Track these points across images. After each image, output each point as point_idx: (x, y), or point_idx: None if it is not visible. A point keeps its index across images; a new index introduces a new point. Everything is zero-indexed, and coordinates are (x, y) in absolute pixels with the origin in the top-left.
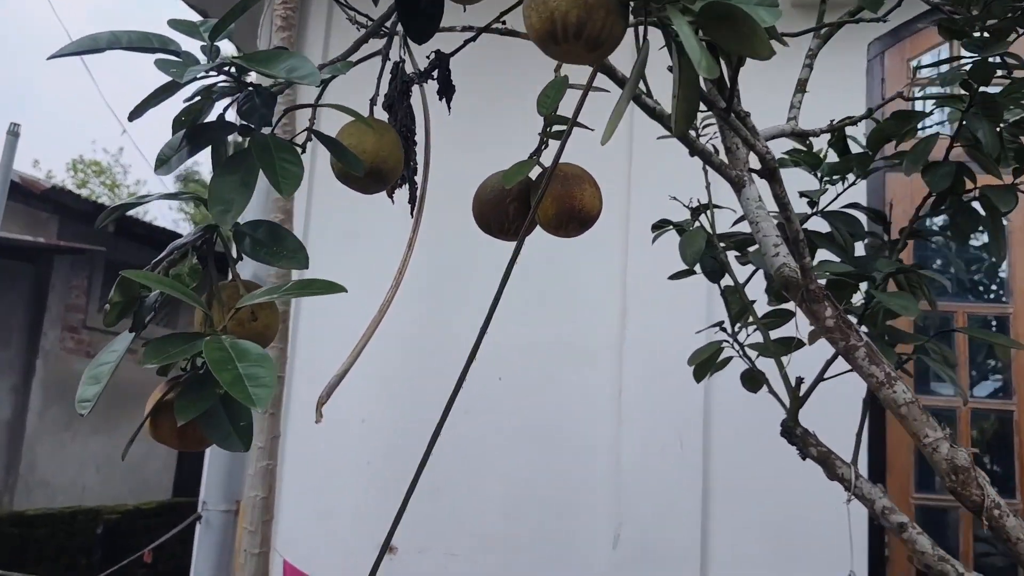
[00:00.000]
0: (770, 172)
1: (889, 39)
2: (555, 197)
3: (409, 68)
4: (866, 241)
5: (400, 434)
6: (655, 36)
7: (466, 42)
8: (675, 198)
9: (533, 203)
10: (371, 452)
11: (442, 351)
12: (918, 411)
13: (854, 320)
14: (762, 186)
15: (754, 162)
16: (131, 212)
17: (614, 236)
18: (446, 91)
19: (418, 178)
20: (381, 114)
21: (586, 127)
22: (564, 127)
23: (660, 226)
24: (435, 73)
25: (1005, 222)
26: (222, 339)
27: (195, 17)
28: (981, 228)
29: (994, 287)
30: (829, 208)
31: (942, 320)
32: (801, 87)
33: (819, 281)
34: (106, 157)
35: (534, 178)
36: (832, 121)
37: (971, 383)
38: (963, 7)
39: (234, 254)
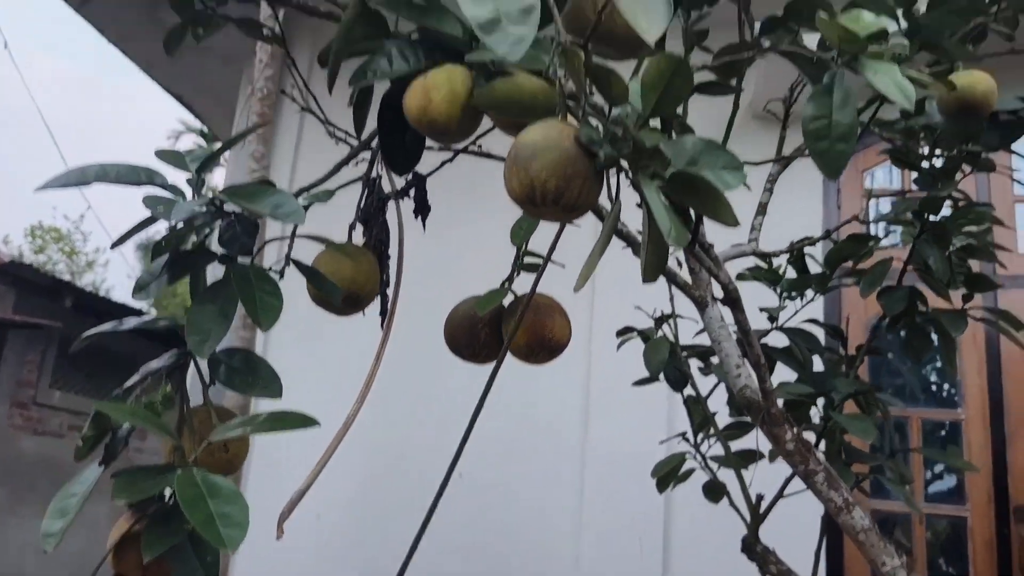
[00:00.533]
0: (732, 301)
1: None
2: (527, 327)
3: (386, 185)
4: (825, 356)
5: (360, 535)
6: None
7: (443, 163)
8: (639, 307)
9: (507, 334)
10: (327, 551)
11: (403, 454)
12: (876, 538)
13: (812, 436)
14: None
15: (717, 289)
16: (87, 286)
17: (578, 342)
18: (422, 210)
19: (390, 291)
20: (358, 229)
21: (558, 263)
22: (537, 260)
23: (624, 333)
24: (411, 192)
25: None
26: (194, 474)
27: (167, 97)
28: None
29: (948, 390)
30: (788, 324)
31: (897, 425)
32: (761, 210)
33: (779, 404)
34: (66, 224)
35: (506, 305)
36: (792, 242)
37: (925, 483)
38: (913, 140)
39: (207, 380)
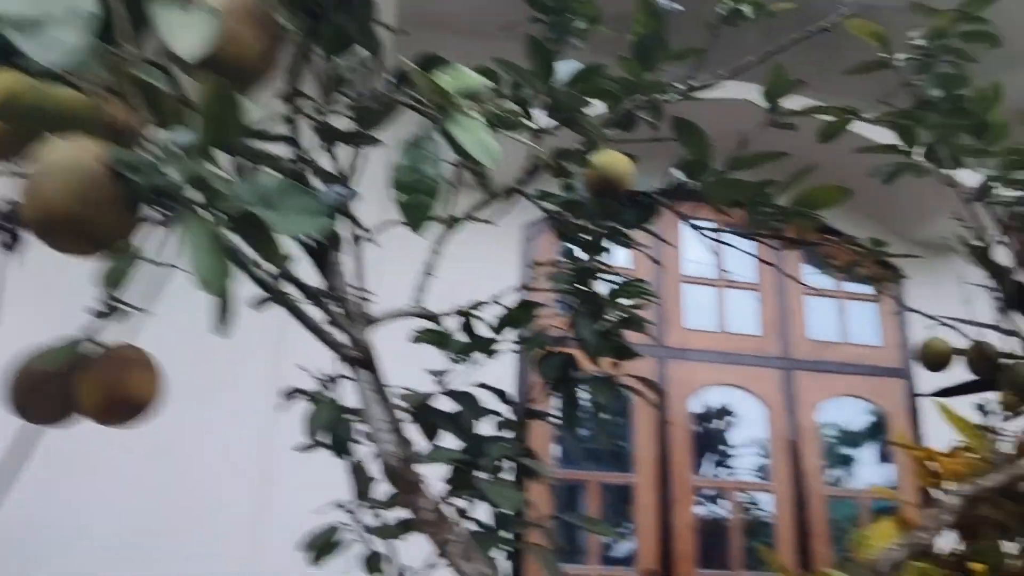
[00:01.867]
0: (366, 363)
1: (542, 223)
2: (102, 383)
3: None
4: (499, 420)
5: None
6: None
7: None
8: (303, 368)
9: (79, 392)
10: None
11: None
12: None
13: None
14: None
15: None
16: None
17: (262, 403)
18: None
19: None
20: None
21: (141, 310)
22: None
23: (292, 394)
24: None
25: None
26: None
27: None
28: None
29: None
30: (454, 386)
31: (572, 488)
32: (427, 270)
33: (416, 471)
34: None
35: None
36: (459, 308)
37: (608, 544)
38: (573, 212)
39: None
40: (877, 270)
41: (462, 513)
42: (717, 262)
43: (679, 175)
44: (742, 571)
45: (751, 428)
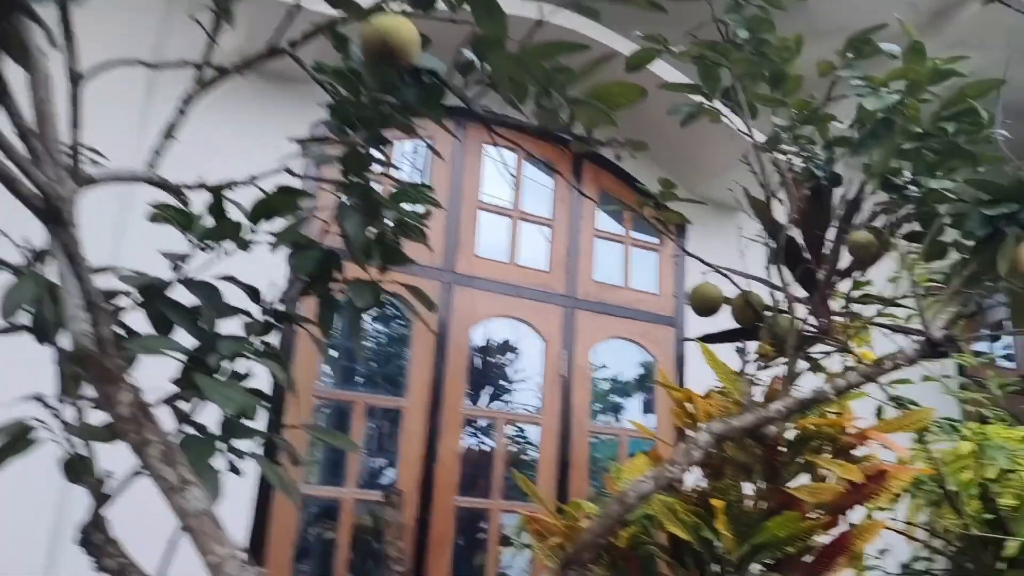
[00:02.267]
0: (54, 213)
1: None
2: None
3: None
4: (248, 320)
5: None
6: None
7: None
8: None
9: None
10: None
11: None
12: (210, 524)
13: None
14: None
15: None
16: None
17: None
18: None
19: None
20: None
21: None
22: None
23: None
24: None
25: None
26: None
27: None
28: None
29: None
30: (202, 277)
31: (341, 410)
32: (168, 132)
33: (117, 360)
34: None
35: None
36: (203, 182)
37: (375, 469)
38: (348, 85)
39: None
40: (662, 213)
41: (183, 416)
42: (513, 188)
43: (470, 55)
44: (500, 500)
45: (530, 362)
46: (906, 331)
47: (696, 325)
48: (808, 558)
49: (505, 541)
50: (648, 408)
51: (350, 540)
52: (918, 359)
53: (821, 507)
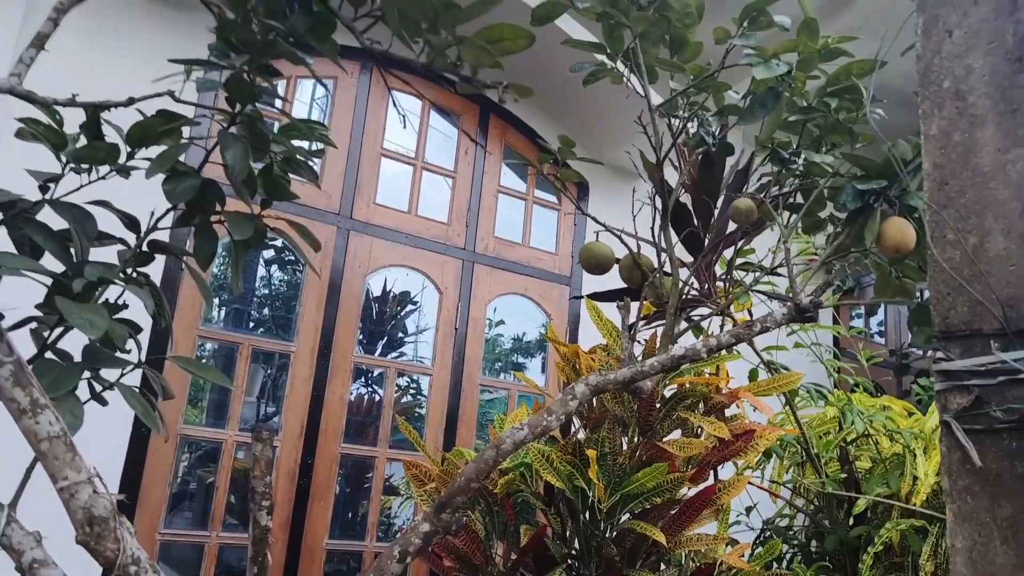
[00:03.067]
0: None
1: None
2: None
3: None
4: (119, 249)
5: None
6: None
7: None
8: None
9: None
10: None
11: None
12: (63, 448)
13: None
14: None
15: None
16: None
17: None
18: None
19: None
20: None
21: None
22: None
23: None
24: None
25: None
26: None
27: None
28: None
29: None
30: (70, 199)
31: (227, 352)
32: (38, 42)
33: None
34: None
35: None
36: (75, 96)
37: (262, 416)
38: (238, 11)
39: None
40: (560, 171)
41: (43, 341)
42: (417, 136)
43: None
44: (387, 448)
45: (427, 316)
46: (781, 298)
47: (591, 285)
48: (675, 509)
49: (391, 490)
50: (545, 367)
51: (229, 482)
52: (785, 323)
53: (690, 461)
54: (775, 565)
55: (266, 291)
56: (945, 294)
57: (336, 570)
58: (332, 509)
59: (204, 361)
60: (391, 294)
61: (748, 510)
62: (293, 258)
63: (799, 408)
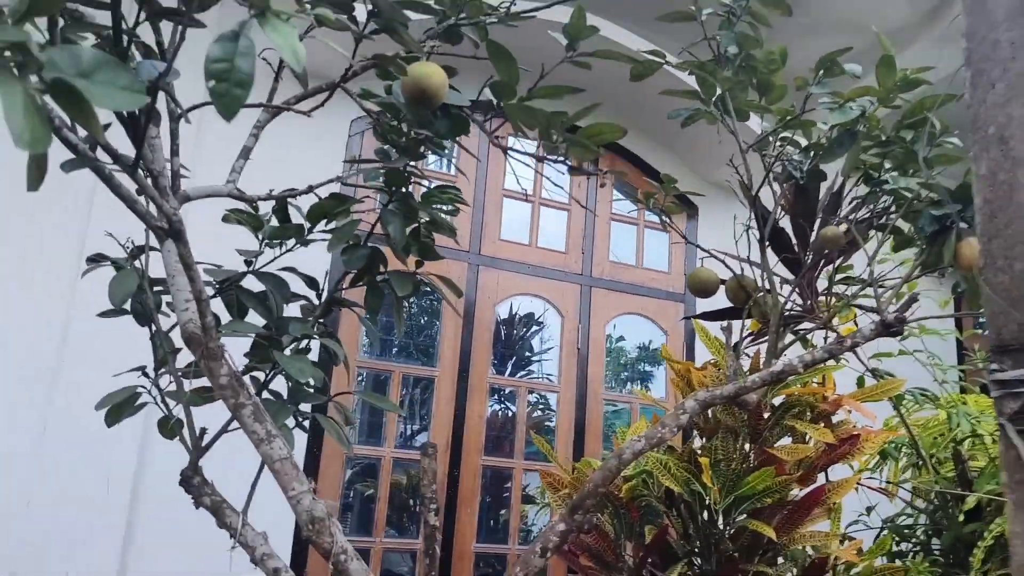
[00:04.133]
0: (175, 233)
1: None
2: None
3: None
4: (301, 304)
5: None
6: None
7: None
8: (111, 234)
9: None
10: None
11: None
12: (290, 467)
13: (265, 376)
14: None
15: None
16: None
17: (66, 267)
18: None
19: None
20: None
21: None
22: None
23: (96, 260)
24: None
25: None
26: None
27: None
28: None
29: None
30: (266, 269)
31: (379, 378)
32: (244, 154)
33: (220, 340)
34: None
35: None
36: (272, 191)
37: (413, 433)
38: (391, 115)
39: None
40: (668, 202)
41: (261, 384)
42: (533, 182)
43: (489, 95)
44: (522, 460)
45: (551, 336)
46: (874, 310)
47: (704, 304)
48: (787, 509)
49: (528, 498)
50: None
51: (388, 495)
52: (873, 337)
53: (800, 465)
54: (884, 560)
55: (410, 322)
56: (998, 313)
57: (484, 572)
58: (477, 516)
59: (361, 387)
60: (516, 317)
61: (868, 510)
62: (428, 289)
63: (912, 412)
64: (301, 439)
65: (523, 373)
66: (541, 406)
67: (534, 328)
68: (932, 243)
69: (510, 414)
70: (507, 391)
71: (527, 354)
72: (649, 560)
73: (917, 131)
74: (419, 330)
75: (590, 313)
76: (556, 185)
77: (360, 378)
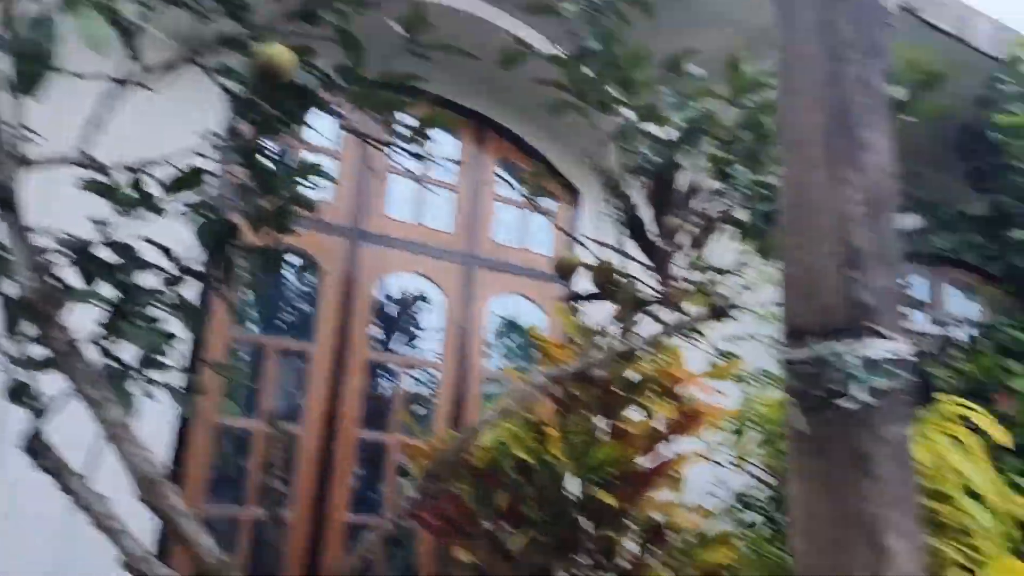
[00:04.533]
0: (3, 201)
1: None
2: None
3: None
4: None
5: None
6: None
7: None
8: None
9: None
10: None
11: None
12: (126, 431)
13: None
14: None
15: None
16: None
17: None
18: None
19: None
20: None
21: None
22: None
23: None
24: None
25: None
26: None
27: None
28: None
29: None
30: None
31: (257, 352)
32: (96, 122)
33: (61, 308)
34: None
35: None
36: (128, 165)
37: (287, 408)
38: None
39: None
40: (537, 185)
41: (106, 352)
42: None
43: (336, 77)
44: (397, 434)
45: (436, 314)
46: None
47: (584, 284)
48: (633, 480)
49: (402, 472)
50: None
51: (262, 467)
52: (703, 320)
53: (645, 437)
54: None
55: (289, 296)
56: (791, 302)
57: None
58: (351, 489)
59: (234, 362)
60: (409, 296)
61: (719, 484)
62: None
63: (752, 390)
64: (173, 411)
65: (414, 350)
66: (432, 383)
67: (420, 306)
68: (762, 235)
69: (386, 390)
70: (391, 367)
71: (412, 330)
72: (504, 527)
73: (755, 133)
74: (299, 307)
75: (472, 292)
76: (439, 164)
77: (243, 353)
